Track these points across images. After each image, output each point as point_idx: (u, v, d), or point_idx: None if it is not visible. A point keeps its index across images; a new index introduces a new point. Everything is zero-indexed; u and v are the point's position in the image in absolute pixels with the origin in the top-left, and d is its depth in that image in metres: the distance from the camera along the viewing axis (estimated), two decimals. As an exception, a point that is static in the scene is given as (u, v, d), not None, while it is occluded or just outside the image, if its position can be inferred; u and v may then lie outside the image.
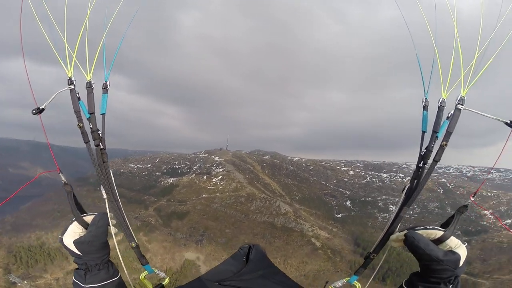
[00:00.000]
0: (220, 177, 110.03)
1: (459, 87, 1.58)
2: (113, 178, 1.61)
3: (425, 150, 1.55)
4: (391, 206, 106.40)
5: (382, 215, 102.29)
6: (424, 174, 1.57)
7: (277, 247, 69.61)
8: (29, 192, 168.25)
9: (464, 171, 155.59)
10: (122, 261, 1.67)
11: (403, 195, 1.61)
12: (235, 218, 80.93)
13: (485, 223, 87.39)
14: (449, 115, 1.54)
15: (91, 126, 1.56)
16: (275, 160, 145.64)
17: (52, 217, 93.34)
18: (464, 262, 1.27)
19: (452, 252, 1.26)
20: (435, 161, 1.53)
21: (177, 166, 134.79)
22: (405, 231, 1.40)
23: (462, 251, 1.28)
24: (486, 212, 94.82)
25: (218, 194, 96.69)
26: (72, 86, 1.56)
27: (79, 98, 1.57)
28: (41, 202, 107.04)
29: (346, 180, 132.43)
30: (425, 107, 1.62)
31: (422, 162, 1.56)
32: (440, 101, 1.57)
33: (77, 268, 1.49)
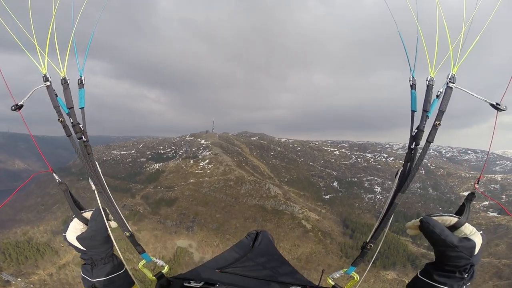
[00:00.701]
0: (207, 160, 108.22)
1: (446, 66, 1.52)
2: (99, 169, 1.64)
3: (416, 130, 1.49)
4: (376, 187, 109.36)
5: (368, 195, 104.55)
6: (417, 156, 1.50)
7: (268, 230, 68.54)
8: (7, 186, 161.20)
9: (443, 151, 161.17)
10: (120, 253, 1.67)
11: (396, 180, 1.52)
12: (225, 203, 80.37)
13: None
14: (439, 93, 1.49)
15: (71, 121, 1.59)
16: (262, 141, 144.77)
17: (36, 211, 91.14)
18: (479, 251, 1.27)
19: (467, 239, 1.27)
20: (428, 141, 1.46)
21: (162, 151, 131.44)
22: (421, 217, 1.41)
23: (477, 238, 1.28)
24: (465, 194, 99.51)
25: (206, 178, 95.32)
26: (48, 83, 1.57)
27: (56, 95, 1.59)
28: (23, 196, 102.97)
29: (333, 160, 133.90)
30: (412, 86, 1.56)
31: (414, 143, 1.49)
32: (428, 79, 1.51)
33: (84, 264, 1.54)
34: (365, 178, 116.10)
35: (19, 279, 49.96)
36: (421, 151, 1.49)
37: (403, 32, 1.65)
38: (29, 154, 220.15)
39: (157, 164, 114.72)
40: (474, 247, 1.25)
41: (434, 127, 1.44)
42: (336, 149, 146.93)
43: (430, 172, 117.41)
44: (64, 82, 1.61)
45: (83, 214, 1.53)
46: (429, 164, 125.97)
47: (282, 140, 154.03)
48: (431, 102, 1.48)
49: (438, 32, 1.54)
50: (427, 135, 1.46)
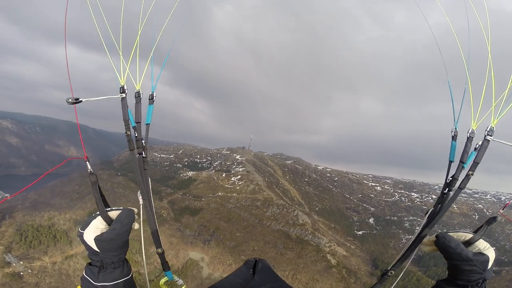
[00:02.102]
0: (239, 176, 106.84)
1: (490, 117, 1.61)
2: (150, 185, 1.76)
3: (451, 178, 1.63)
4: (418, 228, 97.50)
5: (407, 236, 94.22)
6: (448, 199, 1.66)
7: (288, 259, 64.56)
8: (58, 170, 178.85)
9: (502, 198, 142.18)
10: (144, 259, 1.80)
11: (426, 217, 1.72)
12: (248, 222, 76.90)
13: None
14: (477, 146, 1.60)
15: (136, 135, 1.69)
16: (298, 166, 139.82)
17: (70, 198, 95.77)
18: (492, 266, 1.35)
19: (481, 253, 1.34)
20: (460, 188, 1.61)
21: (198, 160, 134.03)
22: (437, 233, 1.52)
23: (491, 253, 1.35)
24: (502, 215, 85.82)
25: (234, 194, 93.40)
26: (124, 95, 1.67)
27: (127, 107, 1.69)
28: (66, 182, 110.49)
29: (372, 196, 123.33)
30: (454, 137, 1.67)
31: (447, 189, 1.66)
32: (469, 131, 1.62)
33: (89, 263, 1.45)
34: (406, 218, 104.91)
35: (21, 262, 50.93)
36: (451, 196, 1.62)
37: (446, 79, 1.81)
38: (85, 145, 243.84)
39: (191, 172, 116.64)
40: (488, 261, 1.31)
41: (467, 177, 1.56)
42: (378, 184, 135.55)
43: (484, 218, 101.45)
44: (138, 95, 1.70)
45: (108, 213, 1.46)
46: (484, 210, 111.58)
47: (319, 167, 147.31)
48: (469, 153, 1.58)
49: (486, 85, 1.62)
50: (460, 182, 1.58)
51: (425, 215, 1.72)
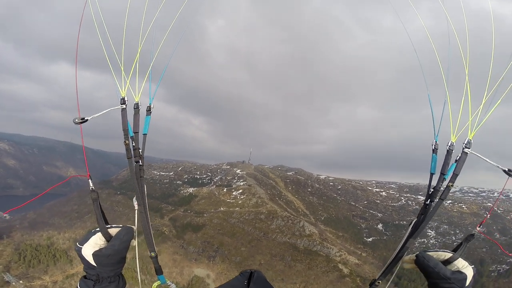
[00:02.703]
0: (240, 190, 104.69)
1: (468, 130, 1.71)
2: (146, 192, 1.83)
3: (432, 190, 1.71)
4: (430, 231, 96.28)
5: (419, 240, 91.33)
6: (430, 210, 1.73)
7: (297, 271, 61.56)
8: (57, 190, 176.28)
9: (511, 195, 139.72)
10: (139, 274, 1.84)
11: (409, 228, 1.76)
12: (252, 236, 74.13)
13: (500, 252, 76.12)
14: (457, 158, 1.66)
15: (133, 144, 1.75)
16: (299, 176, 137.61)
17: (69, 218, 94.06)
18: (470, 283, 1.39)
19: (459, 272, 1.40)
20: (441, 199, 1.68)
21: (198, 176, 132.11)
22: (417, 253, 1.56)
23: (469, 271, 1.41)
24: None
25: (237, 208, 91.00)
26: (124, 106, 1.74)
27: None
28: (64, 201, 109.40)
29: (378, 202, 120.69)
30: (434, 150, 1.72)
31: (429, 200, 1.72)
32: (449, 144, 1.68)
33: (84, 277, 1.45)
34: (411, 221, 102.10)
35: (20, 281, 49.56)
36: (433, 206, 1.70)
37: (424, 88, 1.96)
38: (83, 165, 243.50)
39: (191, 188, 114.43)
40: (466, 279, 1.37)
41: (448, 188, 1.64)
42: (382, 190, 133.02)
43: (497, 216, 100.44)
44: (136, 107, 1.77)
45: (108, 230, 1.48)
46: (496, 208, 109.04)
47: (321, 177, 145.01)
48: (449, 166, 1.64)
49: (464, 99, 1.72)
50: (441, 193, 1.66)
51: (409, 225, 1.74)
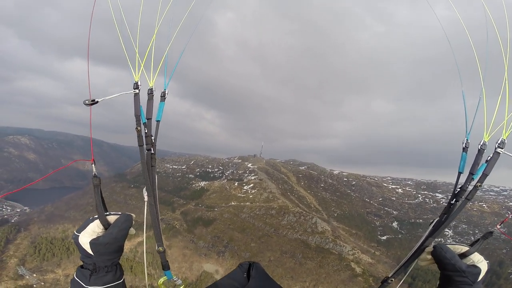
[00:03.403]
0: (251, 184, 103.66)
1: (502, 129, 1.62)
2: (156, 183, 1.74)
3: (459, 189, 1.63)
4: (447, 230, 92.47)
5: (436, 239, 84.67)
6: (455, 210, 1.66)
7: (308, 269, 60.12)
8: (74, 183, 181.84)
9: None
10: (146, 268, 1.89)
11: (430, 227, 1.71)
12: (263, 232, 73.07)
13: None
14: (488, 158, 1.60)
15: (146, 131, 1.68)
16: (312, 171, 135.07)
17: (84, 211, 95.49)
18: (481, 279, 1.40)
19: (474, 266, 1.40)
20: (467, 199, 1.61)
21: (210, 170, 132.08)
22: (435, 244, 1.58)
23: (483, 266, 1.42)
24: (499, 230, 78.94)
25: (248, 203, 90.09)
26: (137, 91, 1.69)
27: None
28: (81, 194, 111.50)
29: (394, 199, 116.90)
30: (464, 149, 1.67)
31: (454, 199, 1.65)
32: (481, 144, 1.62)
33: (81, 266, 1.43)
34: (433, 220, 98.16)
35: (34, 275, 50.72)
36: (458, 206, 1.63)
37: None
38: (99, 158, 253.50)
39: (203, 182, 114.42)
40: (479, 273, 1.38)
41: (475, 188, 1.57)
42: (398, 186, 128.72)
43: None
44: (150, 92, 1.72)
45: (106, 217, 1.45)
46: None
47: (334, 172, 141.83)
48: (479, 165, 1.58)
49: (501, 98, 1.65)
50: (467, 193, 1.60)
51: (429, 224, 1.70)
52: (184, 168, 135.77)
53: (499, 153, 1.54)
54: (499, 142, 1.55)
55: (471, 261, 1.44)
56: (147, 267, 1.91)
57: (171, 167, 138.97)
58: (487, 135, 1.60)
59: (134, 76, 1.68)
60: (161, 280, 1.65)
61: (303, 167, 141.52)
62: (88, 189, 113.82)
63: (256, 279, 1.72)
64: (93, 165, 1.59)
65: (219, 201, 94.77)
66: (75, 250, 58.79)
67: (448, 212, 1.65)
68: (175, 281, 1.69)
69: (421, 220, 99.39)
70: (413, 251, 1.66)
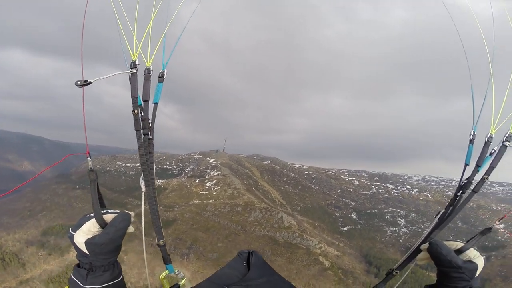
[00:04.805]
0: (214, 181, 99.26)
1: (509, 123, 1.64)
2: (154, 171, 1.63)
3: (465, 181, 1.62)
4: (400, 219, 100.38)
5: (391, 228, 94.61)
6: (461, 202, 1.64)
7: (278, 266, 58.57)
8: (8, 186, 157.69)
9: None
10: (147, 269, 1.79)
11: (436, 219, 1.67)
12: (229, 230, 69.85)
13: (500, 237, 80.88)
14: (493, 151, 1.60)
15: (141, 114, 1.54)
16: (275, 165, 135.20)
17: (20, 216, 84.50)
18: (479, 275, 1.37)
19: (470, 262, 1.37)
20: (474, 191, 1.60)
21: (168, 167, 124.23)
22: (431, 240, 1.52)
23: (480, 262, 1.38)
24: (500, 226, 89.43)
25: (211, 200, 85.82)
26: (134, 70, 1.53)
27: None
28: (16, 198, 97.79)
29: (351, 190, 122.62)
30: (471, 141, 1.66)
31: (461, 191, 1.64)
32: (488, 136, 1.62)
33: (77, 265, 1.36)
34: (386, 210, 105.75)
35: None
36: (464, 198, 1.63)
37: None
38: (39, 157, 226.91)
39: (160, 180, 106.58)
40: (476, 269, 1.35)
41: (482, 180, 1.57)
42: (354, 178, 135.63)
43: (466, 209, 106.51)
44: (147, 72, 1.58)
45: (103, 216, 1.35)
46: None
47: (296, 166, 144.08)
48: (485, 158, 1.60)
49: (509, 90, 1.67)
50: (474, 185, 1.59)
51: (435, 216, 1.66)
52: (139, 166, 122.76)
53: (506, 146, 1.54)
54: (507, 135, 1.55)
55: (467, 257, 1.40)
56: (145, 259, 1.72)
57: (123, 165, 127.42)
58: (494, 128, 1.59)
59: (131, 54, 1.52)
60: (163, 274, 1.59)
61: (266, 162, 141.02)
62: (25, 192, 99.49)
63: (256, 268, 1.70)
64: (88, 158, 1.41)
65: (179, 200, 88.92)
66: (12, 261, 52.21)
67: (453, 205, 1.62)
68: (177, 274, 1.62)
69: (376, 210, 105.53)
70: (418, 243, 1.60)
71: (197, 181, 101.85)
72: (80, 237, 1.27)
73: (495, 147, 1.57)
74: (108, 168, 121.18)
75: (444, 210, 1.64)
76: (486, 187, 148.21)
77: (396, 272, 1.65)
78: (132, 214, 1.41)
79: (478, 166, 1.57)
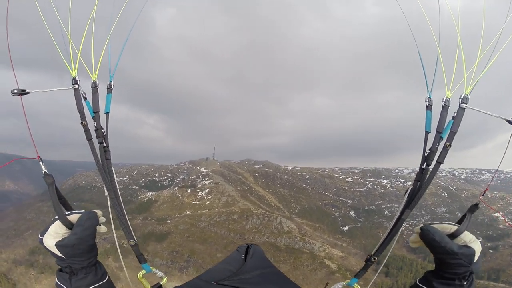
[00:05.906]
0: (207, 190, 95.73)
1: (463, 86, 1.60)
2: (115, 175, 1.66)
3: (428, 151, 1.55)
4: (386, 211, 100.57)
5: (384, 220, 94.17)
6: (427, 176, 1.57)
7: (284, 272, 55.71)
8: None
9: (456, 173, 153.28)
10: (124, 267, 1.76)
11: (405, 197, 1.60)
12: (227, 240, 66.57)
13: (501, 225, 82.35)
14: (455, 114, 1.56)
15: (95, 125, 1.62)
16: (267, 169, 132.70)
17: (6, 236, 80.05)
18: (479, 258, 1.28)
19: (466, 246, 1.28)
20: (439, 162, 1.53)
21: (157, 179, 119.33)
22: (421, 225, 1.42)
23: (477, 246, 1.29)
24: (497, 214, 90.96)
25: (205, 210, 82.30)
26: (76, 86, 1.62)
27: (85, 98, 1.65)
28: (0, 217, 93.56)
29: (346, 188, 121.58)
30: (428, 107, 1.63)
31: (425, 163, 1.56)
32: (444, 100, 1.58)
33: (60, 270, 1.32)
34: (384, 206, 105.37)
35: None
36: (430, 171, 1.55)
37: (415, 49, 1.74)
38: (22, 176, 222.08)
39: (150, 193, 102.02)
40: (474, 254, 1.26)
41: (445, 149, 1.52)
42: (348, 176, 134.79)
43: (453, 195, 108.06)
44: (94, 86, 1.66)
45: (68, 217, 1.30)
46: (450, 187, 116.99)
47: (288, 167, 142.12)
48: (446, 123, 1.55)
49: (458, 53, 1.65)
50: (437, 156, 1.53)
51: (404, 194, 1.57)
52: (126, 180, 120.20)
53: (464, 108, 1.51)
54: (462, 97, 1.52)
55: (463, 241, 1.30)
56: (122, 261, 1.71)
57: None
58: (449, 92, 1.56)
59: (71, 71, 1.59)
60: (140, 273, 1.56)
61: (258, 166, 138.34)
62: (8, 212, 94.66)
63: (252, 259, 1.66)
64: (40, 162, 1.42)
65: (171, 212, 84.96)
66: (2, 281, 50.19)
67: (421, 179, 1.54)
68: (155, 273, 1.59)
69: (373, 207, 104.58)
70: (391, 225, 1.56)
71: (188, 191, 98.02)
72: (49, 240, 1.23)
73: (454, 112, 1.51)
74: (94, 184, 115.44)
75: (412, 186, 1.56)
76: (476, 175, 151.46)
77: (374, 259, 1.58)
78: (100, 212, 1.37)
79: (439, 132, 1.51)
